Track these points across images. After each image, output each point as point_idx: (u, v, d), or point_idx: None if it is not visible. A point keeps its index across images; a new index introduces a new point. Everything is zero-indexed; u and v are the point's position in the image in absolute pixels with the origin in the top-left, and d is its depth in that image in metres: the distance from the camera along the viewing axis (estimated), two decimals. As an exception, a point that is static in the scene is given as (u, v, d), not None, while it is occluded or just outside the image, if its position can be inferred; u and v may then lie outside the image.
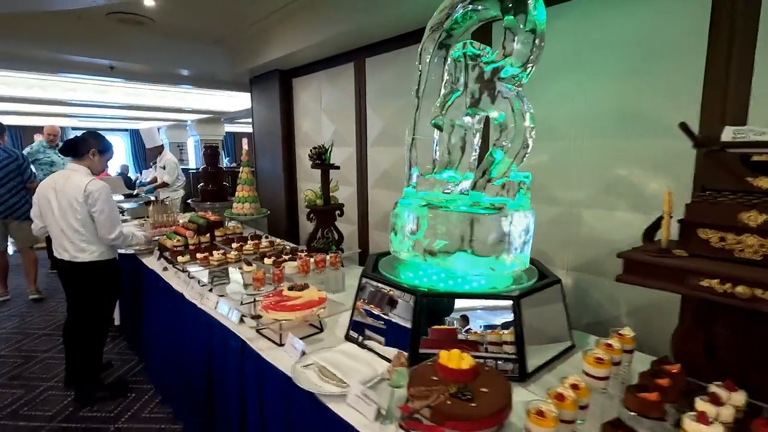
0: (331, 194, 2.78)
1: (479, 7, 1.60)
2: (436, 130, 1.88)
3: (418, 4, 2.82)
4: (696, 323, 1.26)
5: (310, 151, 2.70)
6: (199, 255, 2.60)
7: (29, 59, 4.41)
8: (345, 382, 1.31)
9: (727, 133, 1.23)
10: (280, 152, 4.82)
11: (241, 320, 1.86)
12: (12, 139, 11.92)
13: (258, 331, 1.76)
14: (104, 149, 2.87)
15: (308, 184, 4.67)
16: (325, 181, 2.73)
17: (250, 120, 12.64)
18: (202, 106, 9.45)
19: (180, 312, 2.36)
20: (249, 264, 2.33)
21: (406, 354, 1.30)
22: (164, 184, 6.23)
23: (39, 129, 6.50)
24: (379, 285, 1.63)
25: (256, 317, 1.70)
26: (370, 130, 3.74)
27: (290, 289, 1.81)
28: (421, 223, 1.70)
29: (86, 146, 2.77)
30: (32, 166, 4.90)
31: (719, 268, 1.05)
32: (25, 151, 5.26)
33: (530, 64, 1.51)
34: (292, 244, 2.94)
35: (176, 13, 3.85)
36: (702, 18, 1.85)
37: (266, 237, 2.98)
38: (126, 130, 15.11)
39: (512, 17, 1.48)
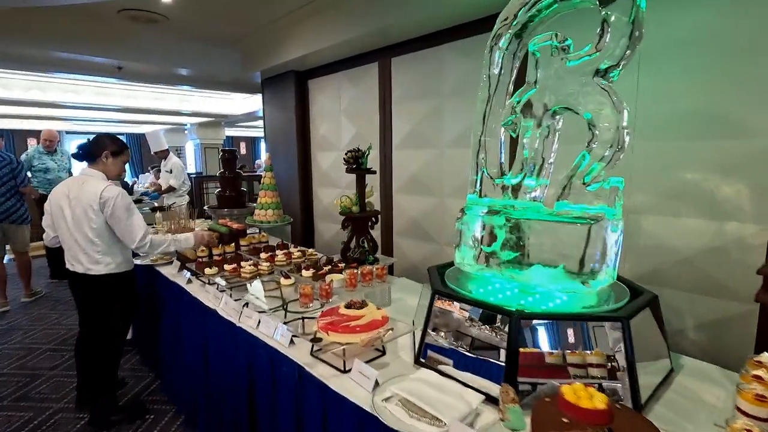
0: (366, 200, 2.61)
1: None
2: (502, 131, 1.72)
3: (446, 4, 2.67)
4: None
5: (346, 154, 2.53)
6: (227, 266, 2.41)
7: (34, 59, 4.20)
8: (440, 420, 1.13)
9: None
10: (295, 156, 4.64)
11: (291, 341, 1.68)
12: (4, 144, 11.60)
13: (313, 354, 1.58)
14: (118, 150, 2.67)
15: (325, 189, 4.50)
16: (361, 186, 2.56)
17: (250, 124, 12.40)
18: (204, 109, 9.24)
19: (210, 328, 2.17)
20: (287, 276, 2.15)
21: (513, 389, 1.13)
22: (171, 189, 6.03)
23: (32, 133, 6.27)
24: (459, 304, 1.46)
25: (316, 340, 1.52)
26: (396, 132, 3.58)
27: (347, 306, 1.63)
28: (497, 233, 1.54)
29: (99, 148, 2.58)
30: (26, 172, 4.76)
31: None
32: (21, 158, 5.08)
33: (626, 60, 1.36)
34: (321, 254, 2.76)
35: (191, 10, 3.67)
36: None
37: (295, 246, 2.80)
38: (122, 134, 14.82)
39: (609, 6, 1.33)
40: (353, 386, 1.37)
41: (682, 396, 1.33)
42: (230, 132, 14.43)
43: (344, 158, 2.55)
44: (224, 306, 2.09)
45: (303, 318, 1.75)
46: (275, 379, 1.68)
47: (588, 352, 1.26)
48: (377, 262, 2.56)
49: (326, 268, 2.21)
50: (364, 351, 1.52)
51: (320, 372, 1.48)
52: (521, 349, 1.27)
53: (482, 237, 1.59)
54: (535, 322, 1.32)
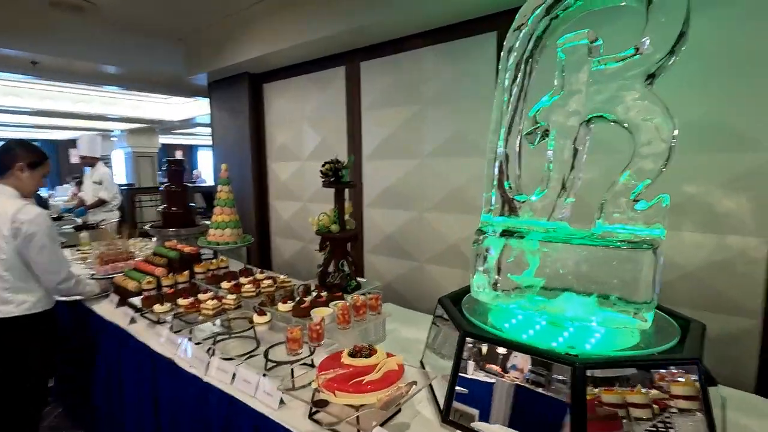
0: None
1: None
2: (517, 142, 1.52)
3: (422, 5, 2.48)
4: None
5: (323, 166, 2.23)
6: (182, 301, 2.00)
7: None
8: None
9: None
10: (249, 166, 4.21)
11: (281, 401, 1.34)
12: None
13: (313, 418, 1.26)
14: (37, 161, 2.19)
15: (284, 203, 4.11)
16: (340, 202, 2.26)
17: (188, 131, 11.51)
18: (135, 114, 8.37)
19: (165, 383, 1.75)
20: (261, 312, 1.79)
21: None
22: (101, 203, 5.32)
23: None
24: (501, 350, 1.21)
25: (319, 403, 1.20)
26: (367, 141, 3.32)
27: (352, 355, 1.33)
28: (529, 259, 1.32)
29: (11, 158, 2.09)
30: None
31: None
32: None
33: (671, 63, 1.21)
34: (295, 281, 2.41)
35: (126, -1, 3.17)
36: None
37: (261, 271, 2.42)
38: (36, 140, 13.15)
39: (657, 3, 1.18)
40: (375, 463, 1.08)
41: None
42: (165, 139, 13.33)
43: (321, 171, 2.24)
44: (184, 355, 1.68)
45: (292, 369, 1.41)
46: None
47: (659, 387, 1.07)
48: (359, 288, 2.27)
49: (308, 300, 1.88)
50: (378, 411, 1.23)
51: (328, 445, 1.16)
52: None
53: (508, 263, 1.37)
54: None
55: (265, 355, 1.53)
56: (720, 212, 1.94)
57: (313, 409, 1.26)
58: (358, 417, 1.15)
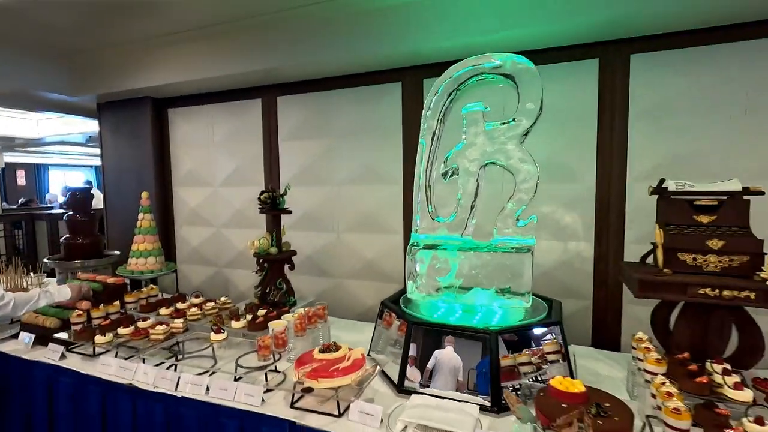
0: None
1: (493, 79, 1.86)
2: (434, 178, 2.03)
3: (336, 57, 2.91)
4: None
5: (261, 195, 2.46)
6: (123, 330, 2.02)
7: None
8: (460, 434, 1.29)
9: (671, 185, 1.78)
10: (152, 193, 4.06)
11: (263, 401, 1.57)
12: None
13: (294, 406, 1.53)
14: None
15: (193, 229, 4.07)
16: (277, 227, 2.51)
17: (37, 149, 9.99)
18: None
19: (126, 406, 1.78)
20: (219, 330, 1.96)
21: (513, 394, 1.38)
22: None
23: None
24: (439, 330, 1.65)
25: (307, 390, 1.48)
26: (285, 169, 3.58)
27: (323, 351, 1.63)
28: (451, 264, 1.81)
29: None
30: None
31: (710, 281, 1.53)
32: None
33: (532, 128, 1.84)
34: (232, 302, 2.55)
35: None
36: (592, 91, 2.56)
37: (195, 295, 2.50)
38: None
39: (523, 87, 1.80)
40: (357, 428, 1.40)
41: (593, 372, 1.82)
42: (9, 158, 11.24)
43: (260, 199, 2.47)
44: (145, 377, 1.76)
45: (266, 372, 1.65)
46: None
47: (538, 348, 1.62)
48: (296, 304, 2.53)
49: (261, 314, 2.09)
50: (351, 390, 1.56)
51: (315, 422, 1.45)
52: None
53: (436, 268, 1.84)
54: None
55: (237, 363, 1.72)
56: (563, 225, 2.72)
57: (296, 397, 1.52)
58: (337, 392, 1.47)
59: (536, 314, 1.81)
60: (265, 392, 1.57)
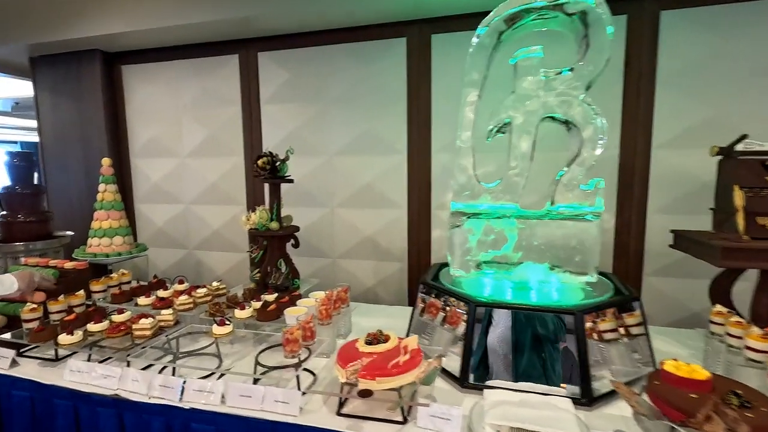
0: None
1: (555, 18, 1.58)
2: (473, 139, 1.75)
3: (328, 4, 2.54)
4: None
5: (258, 160, 2.07)
6: (94, 326, 1.60)
7: None
8: (566, 437, 1.06)
9: (741, 146, 1.62)
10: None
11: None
12: None
13: (342, 413, 1.22)
14: None
15: (157, 207, 3.53)
16: (278, 198, 2.14)
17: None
18: None
19: (109, 422, 1.39)
20: (223, 322, 1.59)
21: (623, 384, 1.15)
22: None
23: None
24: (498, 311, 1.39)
25: (364, 393, 1.18)
26: (268, 138, 3.14)
27: (370, 343, 1.33)
28: (508, 235, 1.55)
29: None
30: None
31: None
32: None
33: (598, 77, 1.60)
34: (227, 287, 2.15)
35: None
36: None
37: (179, 280, 2.08)
38: None
39: (590, 30, 1.54)
40: (431, 436, 1.13)
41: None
42: None
43: (256, 164, 2.08)
44: (135, 385, 1.37)
45: (298, 373, 1.33)
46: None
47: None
48: (299, 288, 2.19)
49: (270, 300, 1.74)
50: (409, 388, 1.28)
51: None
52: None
53: (488, 240, 1.58)
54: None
55: (258, 363, 1.39)
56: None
57: (342, 404, 1.22)
58: (400, 393, 1.18)
59: (599, 291, 1.61)
60: (304, 395, 1.25)
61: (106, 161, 2.35)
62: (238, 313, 1.67)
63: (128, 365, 1.46)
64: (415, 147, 2.81)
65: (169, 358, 1.54)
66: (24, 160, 2.33)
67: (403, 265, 2.93)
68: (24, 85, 5.13)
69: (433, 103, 2.74)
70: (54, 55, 3.49)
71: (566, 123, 1.60)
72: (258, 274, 2.11)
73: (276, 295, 1.82)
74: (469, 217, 1.60)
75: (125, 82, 3.48)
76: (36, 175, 2.43)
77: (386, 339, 1.35)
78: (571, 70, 1.59)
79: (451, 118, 2.70)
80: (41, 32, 3.21)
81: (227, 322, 1.58)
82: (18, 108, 6.16)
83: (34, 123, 3.88)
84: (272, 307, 1.67)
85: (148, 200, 3.57)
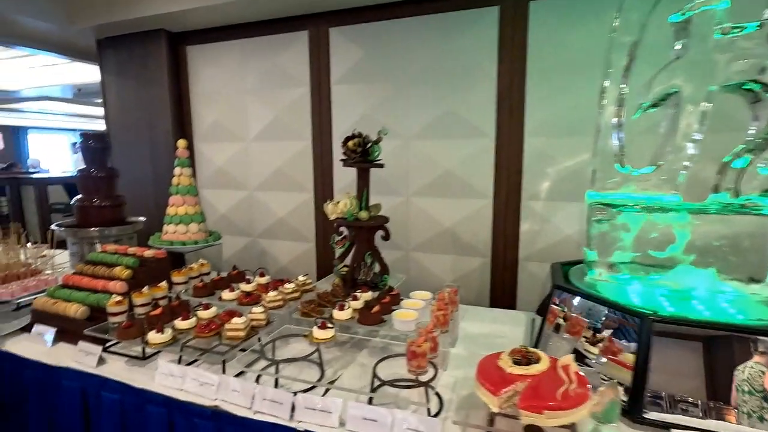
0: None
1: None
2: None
3: None
4: None
5: (347, 141, 1.85)
6: (181, 323, 1.44)
7: None
8: None
9: None
10: (168, 149, 3.38)
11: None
12: None
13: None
14: None
15: (220, 192, 3.42)
16: (366, 184, 1.92)
17: (10, 107, 9.03)
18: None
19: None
20: (325, 325, 1.39)
21: None
22: None
23: None
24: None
25: (531, 430, 0.94)
26: (338, 121, 2.93)
27: (518, 363, 1.08)
28: (676, 233, 1.25)
29: None
30: None
31: None
32: None
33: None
34: (311, 281, 1.96)
35: None
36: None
37: (261, 273, 1.91)
38: None
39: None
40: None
41: None
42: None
43: (346, 147, 1.86)
44: (237, 396, 1.20)
45: (427, 396, 1.10)
46: None
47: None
48: (386, 284, 1.97)
49: (371, 299, 1.53)
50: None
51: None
52: None
53: (650, 239, 1.28)
54: None
55: (376, 377, 1.17)
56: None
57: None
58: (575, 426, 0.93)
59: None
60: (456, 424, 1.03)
61: (181, 143, 2.21)
62: (338, 314, 1.47)
63: (224, 371, 1.28)
64: (504, 130, 2.52)
65: (262, 363, 1.36)
66: (98, 142, 2.23)
67: (485, 261, 2.66)
68: (86, 70, 5.18)
69: (528, 80, 2.43)
70: (120, 37, 3.41)
71: (753, 93, 1.27)
72: (345, 269, 1.91)
73: (377, 293, 1.60)
74: (621, 211, 1.31)
75: (190, 64, 3.36)
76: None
77: (537, 359, 1.10)
78: (760, 26, 1.26)
79: (549, 98, 2.39)
80: (108, 12, 3.12)
81: (330, 325, 1.37)
82: (80, 95, 6.29)
83: (94, 110, 3.87)
84: (376, 309, 1.46)
85: (211, 185, 3.46)
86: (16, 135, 13.19)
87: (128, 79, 3.48)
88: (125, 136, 3.56)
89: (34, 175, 6.96)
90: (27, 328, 1.65)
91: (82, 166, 2.22)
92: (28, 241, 2.75)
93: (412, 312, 1.42)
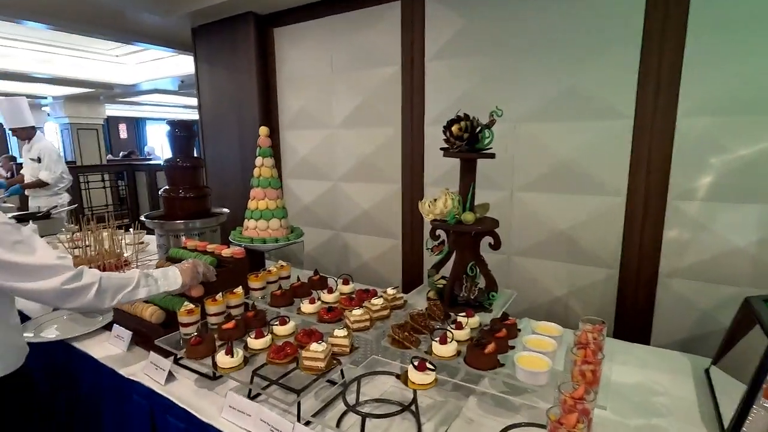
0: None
1: None
2: None
3: None
4: None
5: (450, 126, 1.49)
6: (255, 342, 1.22)
7: None
8: None
9: None
10: (254, 137, 3.30)
11: None
12: None
13: None
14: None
15: (303, 182, 3.28)
16: (473, 179, 1.55)
17: (132, 99, 10.00)
18: (75, 74, 6.87)
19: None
20: (425, 367, 1.07)
21: None
22: (41, 184, 4.22)
23: None
24: None
25: None
26: (432, 103, 2.57)
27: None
28: None
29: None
30: None
31: None
32: None
33: None
34: (401, 294, 1.66)
35: None
36: None
37: (344, 280, 1.65)
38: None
39: None
40: None
41: None
42: (111, 111, 11.55)
43: (449, 130, 1.49)
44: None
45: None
46: None
47: None
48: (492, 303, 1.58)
49: (478, 326, 1.18)
50: None
51: None
52: None
53: None
54: None
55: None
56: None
57: None
58: None
59: None
60: None
61: (263, 130, 2.02)
62: (438, 349, 1.13)
63: (299, 418, 1.03)
64: (648, 108, 1.96)
65: (340, 404, 1.09)
66: (184, 130, 2.14)
67: (611, 274, 2.15)
68: (188, 63, 5.41)
69: (688, 37, 1.84)
70: (211, 24, 3.39)
71: None
72: (442, 281, 1.57)
73: (486, 320, 1.24)
74: None
75: (277, 47, 3.23)
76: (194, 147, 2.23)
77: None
78: None
79: (719, 63, 1.78)
80: (200, -2, 3.08)
81: (430, 367, 1.05)
82: (183, 86, 6.68)
83: (192, 101, 3.97)
84: (490, 348, 1.10)
85: (295, 175, 3.34)
86: (137, 126, 14.89)
87: (219, 68, 3.46)
88: (217, 126, 3.57)
89: (147, 162, 7.63)
90: (108, 326, 1.58)
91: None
92: (131, 227, 2.84)
93: (543, 359, 1.04)
